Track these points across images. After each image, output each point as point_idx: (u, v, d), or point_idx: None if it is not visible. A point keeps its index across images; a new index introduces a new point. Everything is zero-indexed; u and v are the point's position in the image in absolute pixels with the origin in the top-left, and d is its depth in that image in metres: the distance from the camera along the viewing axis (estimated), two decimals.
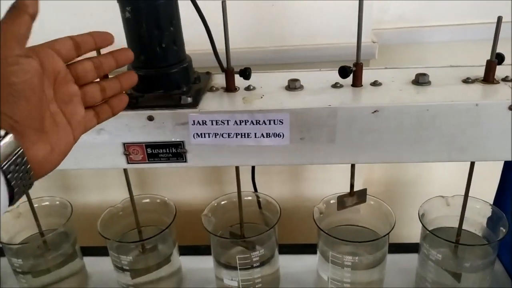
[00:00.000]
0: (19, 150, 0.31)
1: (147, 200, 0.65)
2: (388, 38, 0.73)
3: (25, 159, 0.31)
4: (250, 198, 0.63)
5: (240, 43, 0.67)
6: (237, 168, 0.56)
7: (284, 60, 0.69)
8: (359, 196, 0.57)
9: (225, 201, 0.63)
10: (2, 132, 0.30)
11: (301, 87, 0.50)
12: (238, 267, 0.58)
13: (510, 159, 0.47)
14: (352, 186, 0.57)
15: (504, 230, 0.55)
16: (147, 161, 0.49)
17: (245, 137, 0.47)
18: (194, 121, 0.47)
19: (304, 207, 0.78)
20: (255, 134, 0.47)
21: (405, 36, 0.75)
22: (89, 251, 0.69)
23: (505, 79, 0.48)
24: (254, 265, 0.59)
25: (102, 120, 0.40)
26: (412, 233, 0.66)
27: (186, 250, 0.69)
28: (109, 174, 0.81)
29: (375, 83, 0.49)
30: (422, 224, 0.57)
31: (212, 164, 0.49)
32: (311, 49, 0.68)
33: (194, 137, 0.48)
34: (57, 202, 0.66)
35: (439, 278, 0.58)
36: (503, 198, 0.64)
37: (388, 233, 0.55)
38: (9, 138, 0.30)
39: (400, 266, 0.66)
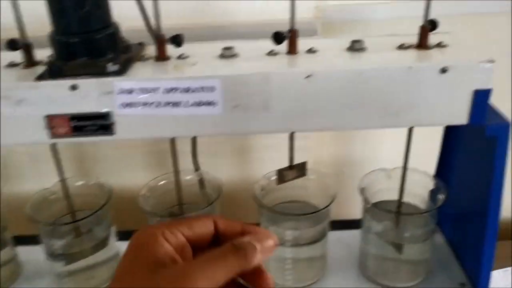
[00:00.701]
0: None
1: (81, 183, 0.61)
2: (331, 14, 0.73)
3: None
4: (190, 177, 0.61)
5: (178, 20, 0.64)
6: (172, 141, 0.54)
7: (225, 37, 0.67)
8: (299, 170, 0.56)
9: (164, 181, 0.60)
10: None
11: (236, 55, 0.48)
12: None
13: (444, 124, 0.48)
14: (291, 159, 0.55)
15: (441, 198, 0.55)
16: (72, 135, 0.46)
17: (176, 106, 0.45)
18: (120, 89, 0.44)
19: (252, 189, 0.77)
20: (186, 103, 0.45)
21: (350, 12, 0.75)
22: (22, 240, 0.65)
23: (438, 45, 0.48)
24: None
25: None
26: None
27: (125, 236, 0.66)
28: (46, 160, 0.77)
29: (310, 50, 0.48)
30: (363, 197, 0.57)
31: (142, 136, 0.47)
32: (253, 25, 0.66)
33: (120, 107, 0.45)
34: None
35: (381, 250, 0.58)
36: (444, 167, 0.65)
37: (328, 205, 0.55)
38: None
39: (344, 241, 0.65)
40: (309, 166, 0.58)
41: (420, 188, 0.60)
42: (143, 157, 0.78)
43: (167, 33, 0.47)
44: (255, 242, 0.32)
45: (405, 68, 0.44)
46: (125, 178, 0.77)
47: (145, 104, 0.45)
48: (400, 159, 0.59)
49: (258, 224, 0.59)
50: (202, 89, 0.44)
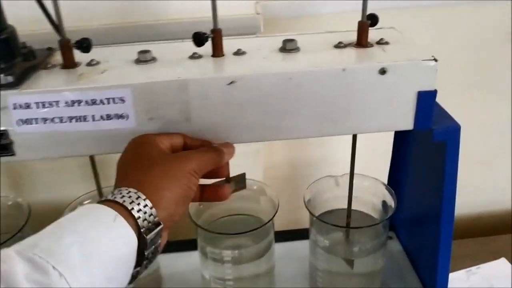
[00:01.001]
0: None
1: None
2: (275, 10, 0.68)
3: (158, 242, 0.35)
4: None
5: (107, 19, 0.58)
6: (91, 158, 0.48)
7: (155, 37, 0.61)
8: (237, 182, 0.51)
9: (90, 200, 0.54)
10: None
11: (153, 59, 0.42)
12: None
13: (388, 130, 0.43)
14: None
15: (392, 207, 0.51)
16: None
17: (81, 121, 0.39)
18: (15, 104, 0.38)
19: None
20: (93, 117, 0.39)
21: (294, 8, 0.70)
22: None
23: (379, 42, 0.44)
24: None
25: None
26: None
27: None
28: None
29: (238, 52, 0.43)
30: (307, 209, 0.52)
31: (45, 156, 0.41)
32: (186, 23, 0.60)
33: (18, 124, 0.39)
34: None
35: (331, 265, 0.54)
36: (396, 172, 0.61)
37: (270, 220, 0.50)
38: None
39: (292, 254, 0.61)
40: (259, 172, 0.53)
41: (370, 195, 0.56)
42: (79, 168, 0.72)
43: (87, 35, 0.41)
44: (222, 147, 0.40)
45: (339, 70, 0.39)
46: (58, 193, 0.70)
47: (45, 119, 0.39)
48: (357, 160, 0.54)
49: (195, 242, 0.54)
50: (110, 100, 0.39)
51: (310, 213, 0.52)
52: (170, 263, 0.59)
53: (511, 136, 0.80)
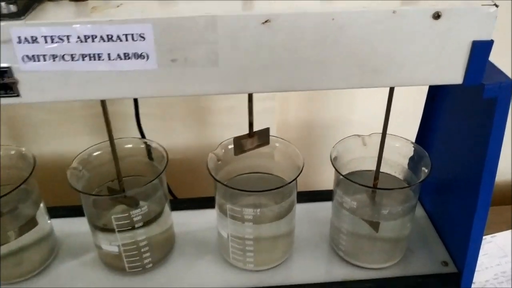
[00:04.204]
0: None
1: None
2: None
3: None
4: (131, 145, 0.51)
5: None
6: (103, 103, 0.44)
7: None
8: (260, 137, 0.47)
9: (100, 151, 0.51)
10: None
11: None
12: (116, 229, 0.47)
13: (435, 84, 0.39)
14: (251, 124, 0.46)
15: (426, 171, 0.48)
16: None
17: (95, 59, 0.35)
18: (20, 37, 0.34)
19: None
20: (109, 55, 0.35)
21: None
22: None
23: None
24: (136, 225, 0.48)
25: None
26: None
27: (61, 213, 0.57)
28: None
29: None
30: (335, 168, 0.49)
31: (54, 98, 0.36)
32: None
33: (23, 60, 0.35)
34: None
35: (355, 227, 0.51)
36: (425, 134, 0.57)
37: (294, 179, 0.46)
38: None
39: (313, 216, 0.58)
40: (273, 132, 0.50)
41: (399, 157, 0.52)
42: (84, 121, 0.68)
43: None
44: None
45: (388, 12, 0.35)
46: (64, 146, 0.66)
47: (54, 56, 0.34)
48: (376, 122, 0.50)
49: (209, 200, 0.51)
50: (128, 37, 0.34)
51: (338, 172, 0.48)
52: (183, 221, 0.56)
53: None
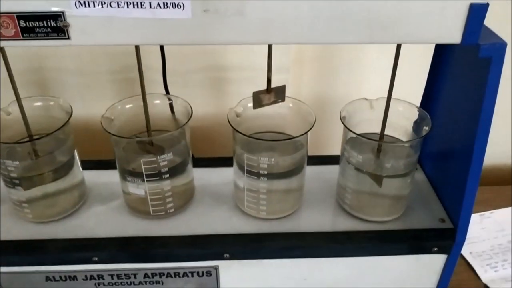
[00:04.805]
0: None
1: (39, 104, 0.56)
2: None
3: None
4: (159, 101, 0.56)
5: None
6: (137, 49, 0.49)
7: None
8: (277, 93, 0.52)
9: (131, 104, 0.56)
10: None
11: None
12: (144, 173, 0.52)
13: (436, 42, 0.43)
14: (269, 80, 0.51)
15: (427, 128, 0.52)
16: (21, 38, 0.41)
17: (138, 7, 0.40)
18: None
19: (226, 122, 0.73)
20: (150, 3, 0.40)
21: None
22: None
23: None
24: (162, 170, 0.53)
25: None
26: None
27: (91, 165, 0.62)
28: None
29: None
30: (344, 125, 0.53)
31: (100, 42, 0.41)
32: None
33: (76, 5, 0.40)
34: None
35: (360, 184, 0.55)
36: (429, 100, 0.61)
37: (307, 132, 0.51)
38: None
39: (321, 176, 0.62)
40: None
41: (403, 119, 0.56)
42: (110, 85, 0.73)
43: None
44: None
45: None
46: (90, 108, 0.72)
47: (102, 3, 0.39)
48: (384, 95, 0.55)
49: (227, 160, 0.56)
50: None
51: (346, 127, 0.53)
52: (203, 176, 0.61)
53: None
